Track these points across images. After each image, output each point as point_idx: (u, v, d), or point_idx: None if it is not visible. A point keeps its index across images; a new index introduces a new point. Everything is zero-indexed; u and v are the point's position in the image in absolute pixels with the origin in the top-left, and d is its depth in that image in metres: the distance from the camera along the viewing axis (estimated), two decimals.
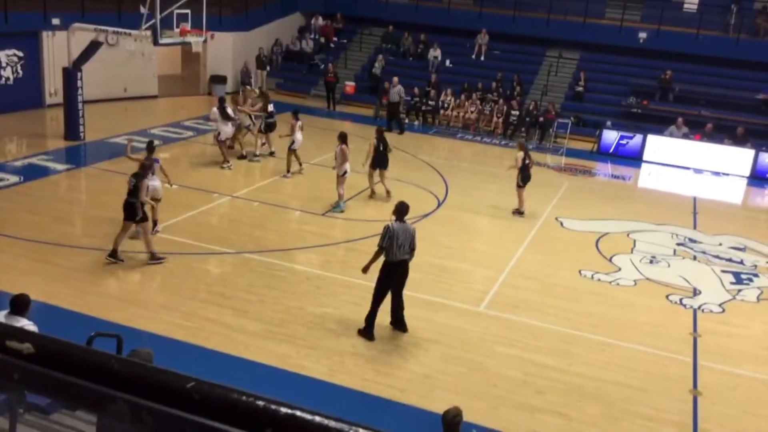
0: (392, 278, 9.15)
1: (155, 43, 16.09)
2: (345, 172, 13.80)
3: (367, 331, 9.21)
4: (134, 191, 10.56)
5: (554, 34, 25.67)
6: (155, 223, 11.96)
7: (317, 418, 1.32)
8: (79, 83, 17.11)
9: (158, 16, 15.45)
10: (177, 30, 16.31)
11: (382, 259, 9.12)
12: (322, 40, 28.00)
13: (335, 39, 28.35)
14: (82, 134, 17.49)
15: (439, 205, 15.20)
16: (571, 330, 9.94)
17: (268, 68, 25.86)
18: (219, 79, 25.04)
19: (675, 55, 24.27)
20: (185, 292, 10.06)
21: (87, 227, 12.48)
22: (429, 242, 12.96)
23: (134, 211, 10.54)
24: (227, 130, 16.29)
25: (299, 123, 16.11)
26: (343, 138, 13.88)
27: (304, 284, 10.66)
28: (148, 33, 15.84)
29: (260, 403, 1.31)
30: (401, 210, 9.23)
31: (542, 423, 7.80)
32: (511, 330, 9.65)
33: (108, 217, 12.64)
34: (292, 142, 15.94)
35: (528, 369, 8.87)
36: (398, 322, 9.45)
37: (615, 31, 25.01)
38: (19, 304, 6.38)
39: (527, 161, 14.64)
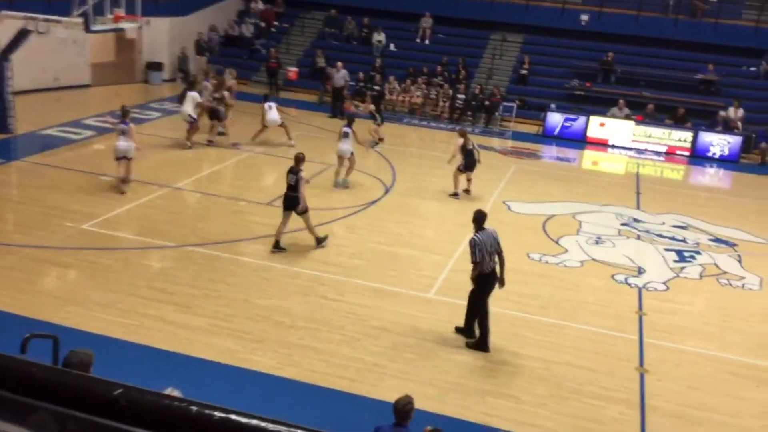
0: (486, 288, 8.89)
1: (87, 30, 15.49)
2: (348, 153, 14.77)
3: (481, 343, 8.89)
4: (295, 186, 10.99)
5: (498, 17, 25.78)
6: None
7: (254, 421, 1.25)
8: (8, 74, 16.36)
9: (90, 2, 14.86)
10: (110, 16, 15.72)
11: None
12: (263, 24, 27.48)
13: (276, 23, 27.86)
14: (12, 127, 16.73)
15: (387, 191, 15.09)
16: (520, 313, 9.97)
17: (207, 54, 25.24)
18: (155, 66, 24.36)
19: (616, 37, 24.67)
20: (124, 288, 9.69)
21: (19, 224, 11.93)
22: (377, 229, 12.88)
23: (296, 203, 11.07)
24: (183, 109, 16.70)
25: (266, 104, 17.21)
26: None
27: (250, 276, 10.41)
28: (80, 20, 15.21)
29: (193, 408, 1.24)
30: (479, 218, 8.92)
31: (493, 406, 7.79)
32: (461, 315, 9.57)
33: (41, 212, 12.15)
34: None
35: (478, 353, 8.85)
36: (483, 339, 8.99)
37: (558, 14, 25.26)
38: None
39: (470, 147, 14.64)
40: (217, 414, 1.23)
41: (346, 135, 14.66)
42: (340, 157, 14.77)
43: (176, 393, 4.72)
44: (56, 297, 9.44)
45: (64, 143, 16.54)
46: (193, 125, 16.60)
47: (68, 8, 15.34)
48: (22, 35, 16.25)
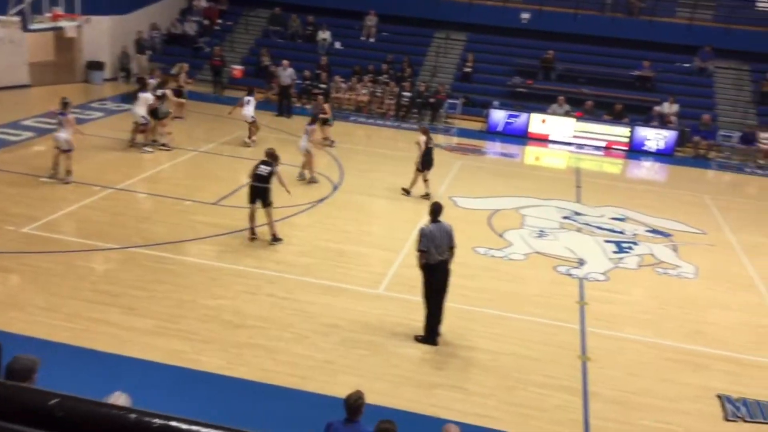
0: (433, 279, 8.92)
1: (25, 29, 15.07)
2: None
3: (427, 338, 9.06)
4: (267, 178, 11.41)
5: (441, 16, 26.05)
6: (68, 173, 13.61)
7: (194, 428, 1.26)
8: None
9: (27, 0, 14.46)
10: (48, 14, 15.33)
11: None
12: (206, 22, 27.15)
13: (219, 21, 27.57)
14: None
15: (335, 189, 15.14)
16: (468, 306, 10.16)
17: (149, 53, 24.81)
18: (96, 65, 23.81)
19: (556, 35, 25.20)
20: (68, 292, 9.51)
21: None
22: (325, 227, 12.92)
23: (266, 195, 11.43)
24: (135, 111, 16.42)
25: (246, 98, 17.86)
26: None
27: (196, 276, 10.33)
28: (17, 18, 14.80)
29: (132, 416, 1.23)
30: (435, 210, 9.02)
31: (442, 398, 7.93)
32: (410, 310, 9.73)
33: None
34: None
35: (427, 347, 8.99)
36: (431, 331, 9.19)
37: (499, 12, 25.66)
38: None
39: (430, 145, 14.61)
40: (157, 421, 1.22)
41: (306, 132, 15.06)
42: (303, 154, 15.20)
43: (123, 397, 4.70)
44: None
45: (2, 145, 16.04)
46: (146, 126, 16.33)
47: (4, 6, 14.88)
48: None
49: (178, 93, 19.31)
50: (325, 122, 18.25)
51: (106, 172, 14.70)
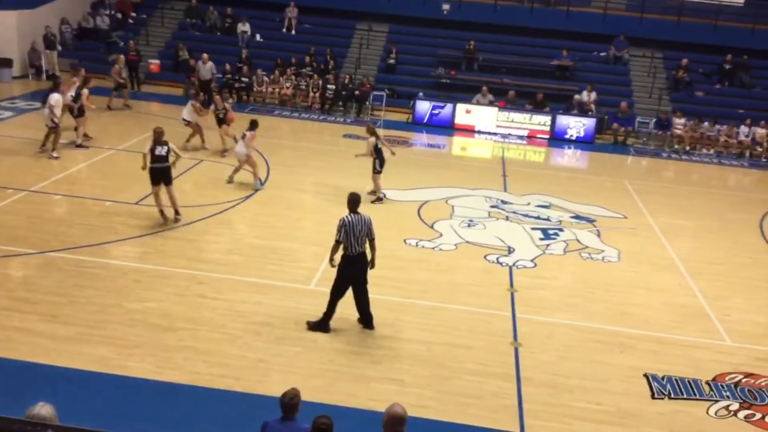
0: (351, 272, 8.84)
1: None
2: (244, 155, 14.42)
3: (321, 324, 9.02)
4: (166, 157, 11.77)
5: (362, 7, 26.00)
6: None
7: None
8: None
9: None
10: None
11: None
12: (119, 15, 26.22)
13: (133, 14, 26.67)
14: None
15: (262, 184, 14.88)
16: (400, 298, 10.17)
17: (59, 48, 23.75)
18: (4, 63, 22.63)
19: (477, 26, 25.53)
20: None
21: None
22: (254, 224, 12.70)
23: (169, 174, 11.83)
24: (44, 112, 15.43)
25: (190, 102, 17.23)
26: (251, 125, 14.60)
27: (120, 279, 9.95)
28: None
29: (49, 431, 1.18)
30: (352, 201, 8.92)
31: (379, 392, 7.90)
32: (342, 304, 9.61)
33: None
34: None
35: (361, 340, 8.96)
36: (365, 319, 9.19)
37: (420, 3, 25.78)
38: None
39: (379, 144, 14.25)
40: None
41: (243, 137, 14.35)
42: (239, 159, 14.47)
43: (47, 408, 4.44)
44: None
45: None
46: (56, 129, 15.25)
47: None
48: None
49: (120, 85, 20.53)
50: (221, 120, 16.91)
51: (19, 174, 14.00)
